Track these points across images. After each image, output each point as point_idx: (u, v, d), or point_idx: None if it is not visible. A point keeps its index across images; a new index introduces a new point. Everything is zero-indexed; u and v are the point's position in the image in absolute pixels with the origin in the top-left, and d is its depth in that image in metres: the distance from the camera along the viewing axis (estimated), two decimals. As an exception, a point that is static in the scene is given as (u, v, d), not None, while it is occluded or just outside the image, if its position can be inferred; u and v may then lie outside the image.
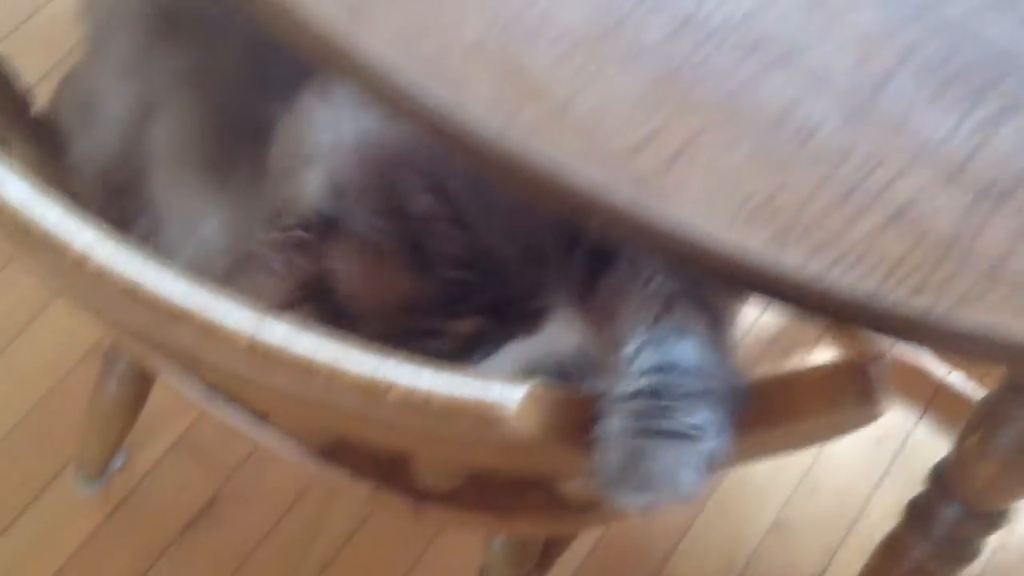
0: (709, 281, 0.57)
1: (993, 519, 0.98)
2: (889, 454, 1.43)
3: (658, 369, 0.52)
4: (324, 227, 0.60)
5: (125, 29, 0.70)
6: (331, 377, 0.47)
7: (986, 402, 0.92)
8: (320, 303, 0.60)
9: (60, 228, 0.47)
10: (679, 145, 0.52)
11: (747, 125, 0.53)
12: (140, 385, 1.13)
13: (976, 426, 0.92)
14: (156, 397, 1.19)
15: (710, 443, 0.50)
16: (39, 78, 0.89)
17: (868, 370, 0.51)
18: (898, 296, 0.51)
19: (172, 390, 0.88)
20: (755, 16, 0.56)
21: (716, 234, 0.51)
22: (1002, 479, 0.92)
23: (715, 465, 0.51)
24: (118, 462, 1.29)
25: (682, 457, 0.50)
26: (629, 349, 0.53)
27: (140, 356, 0.84)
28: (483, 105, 0.51)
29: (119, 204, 0.66)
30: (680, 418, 0.50)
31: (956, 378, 1.47)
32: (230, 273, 0.59)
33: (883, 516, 1.06)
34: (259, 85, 0.62)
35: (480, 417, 0.48)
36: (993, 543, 1.35)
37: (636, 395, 0.51)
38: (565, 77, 0.53)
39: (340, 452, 0.83)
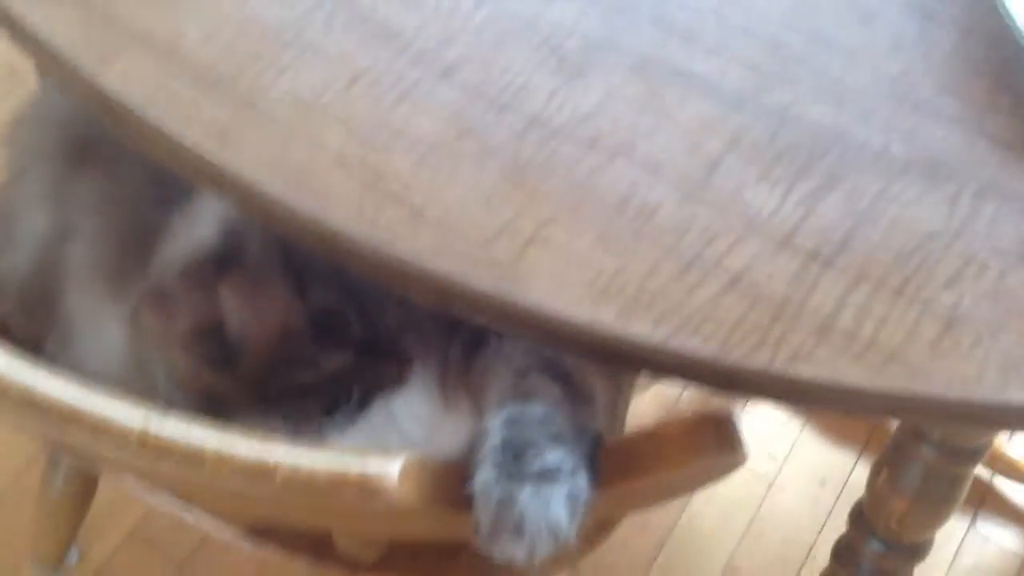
0: (567, 357, 0.62)
1: (913, 551, 1.02)
2: (832, 495, 1.48)
3: (512, 421, 0.57)
4: (218, 262, 0.64)
5: (43, 159, 0.75)
6: (219, 463, 0.51)
7: (891, 444, 0.97)
8: (211, 343, 0.64)
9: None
10: (530, 233, 0.58)
11: (592, 211, 0.59)
12: (86, 481, 1.16)
13: (884, 465, 0.97)
14: (106, 491, 1.23)
15: (569, 482, 0.55)
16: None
17: (726, 418, 0.56)
18: (738, 355, 0.56)
19: (120, 484, 0.91)
20: (594, 115, 0.61)
21: (568, 312, 0.56)
22: (914, 513, 0.96)
23: (582, 505, 0.56)
24: (74, 557, 1.32)
25: (544, 496, 0.55)
26: (488, 416, 0.58)
27: (65, 455, 0.88)
28: (347, 211, 0.57)
29: (34, 321, 0.71)
30: (533, 462, 0.55)
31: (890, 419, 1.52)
32: (134, 320, 0.64)
33: (828, 557, 1.10)
34: (158, 201, 0.67)
35: (363, 488, 0.52)
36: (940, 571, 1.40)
37: (495, 449, 0.56)
38: (423, 179, 0.58)
39: (269, 532, 0.86)
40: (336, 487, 0.52)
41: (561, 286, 0.57)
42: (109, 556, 1.34)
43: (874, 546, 1.02)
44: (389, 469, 0.53)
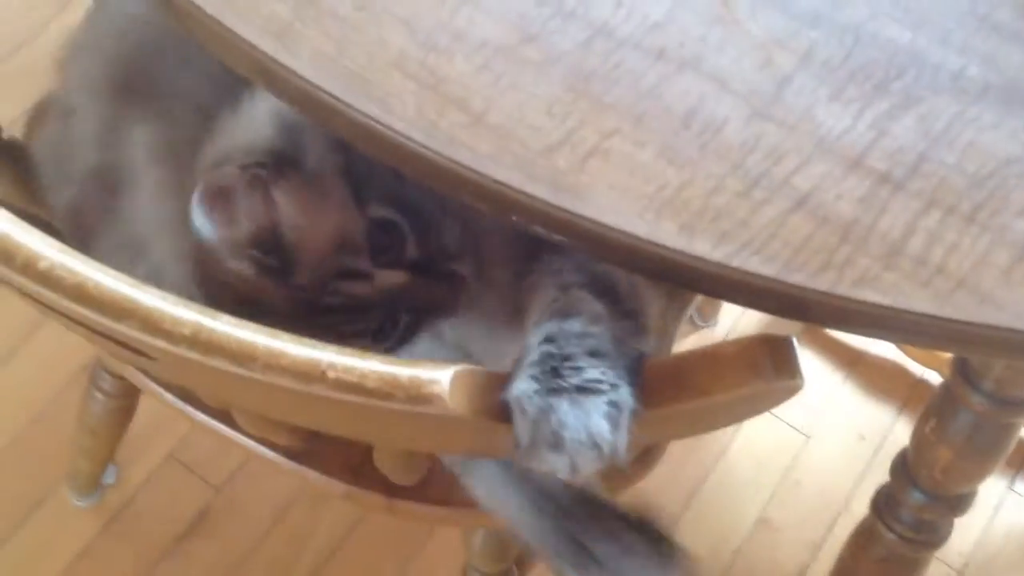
0: (617, 275, 0.60)
1: (955, 503, 1.01)
2: (870, 450, 1.46)
3: (550, 339, 0.56)
4: (277, 162, 0.63)
5: (94, 96, 0.74)
6: (270, 360, 0.50)
7: (939, 391, 0.95)
8: (266, 247, 0.62)
9: (12, 233, 0.51)
10: (593, 144, 0.56)
11: (657, 123, 0.57)
12: (126, 400, 1.17)
13: (931, 414, 0.95)
14: (146, 413, 1.23)
15: (610, 394, 0.54)
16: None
17: (784, 341, 0.54)
18: (802, 276, 0.54)
19: (161, 406, 0.92)
20: (662, 26, 0.59)
21: (628, 225, 0.55)
22: (958, 464, 0.95)
23: (626, 418, 0.54)
24: (110, 476, 1.33)
25: (583, 407, 0.53)
26: (528, 334, 0.57)
27: (114, 363, 0.88)
28: (406, 114, 0.55)
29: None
30: (571, 376, 0.54)
31: (932, 375, 1.50)
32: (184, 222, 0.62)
33: (864, 511, 1.09)
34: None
35: (415, 393, 0.51)
36: (976, 533, 1.39)
37: (533, 364, 0.55)
38: (483, 85, 0.57)
39: (308, 454, 0.86)
40: (387, 391, 0.51)
41: (622, 198, 0.55)
42: (146, 477, 1.35)
43: (915, 497, 1.01)
44: (441, 376, 0.52)
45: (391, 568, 1.32)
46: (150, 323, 0.51)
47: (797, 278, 0.54)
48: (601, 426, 0.53)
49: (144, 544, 1.31)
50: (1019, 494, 1.44)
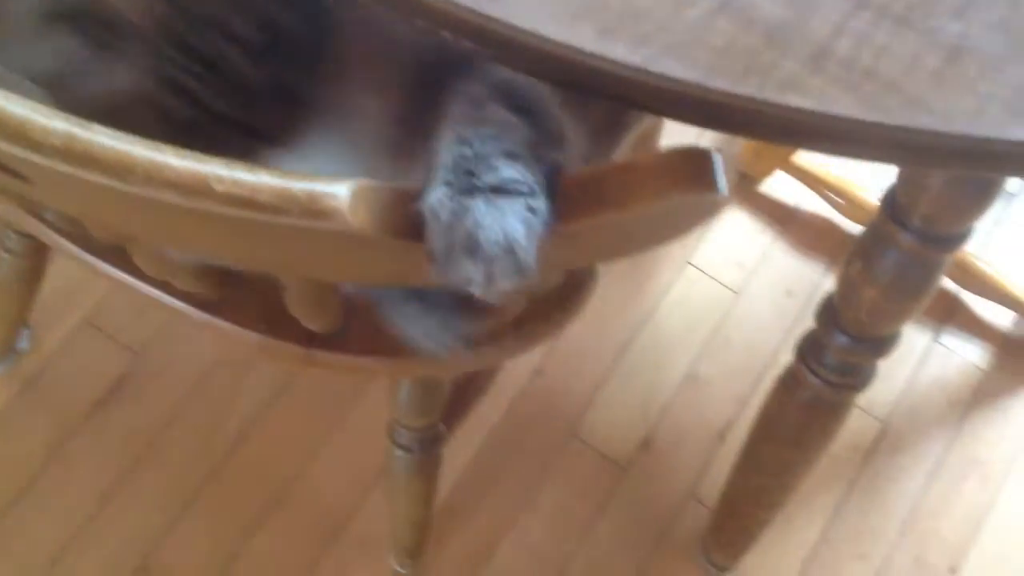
0: (536, 91, 0.57)
1: (879, 344, 1.00)
2: (799, 306, 1.47)
3: (464, 141, 0.53)
4: None
5: None
6: (150, 172, 0.47)
7: (866, 231, 0.94)
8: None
9: None
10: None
11: (572, -84, 0.53)
12: (33, 260, 1.12)
13: (856, 256, 0.94)
14: (58, 276, 1.19)
15: (526, 198, 0.51)
16: None
17: (704, 152, 0.51)
18: (726, 82, 0.51)
19: (74, 268, 0.87)
20: None
21: (542, 29, 0.51)
22: (884, 304, 0.94)
23: (540, 225, 0.51)
24: (23, 342, 1.29)
25: (499, 208, 0.50)
26: (443, 139, 0.53)
27: (18, 220, 0.83)
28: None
29: None
30: (485, 175, 0.51)
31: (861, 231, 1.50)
32: None
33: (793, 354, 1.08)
34: None
35: (311, 208, 0.48)
36: (901, 384, 1.41)
37: (446, 168, 0.52)
38: None
39: (222, 304, 0.83)
40: (280, 205, 0.48)
41: (539, 3, 0.51)
42: (62, 343, 1.31)
43: (840, 340, 1.00)
44: (339, 190, 0.49)
45: (316, 434, 1.31)
46: (18, 134, 0.47)
47: (720, 83, 0.51)
48: (517, 229, 0.50)
49: (60, 411, 1.28)
50: (944, 346, 1.46)
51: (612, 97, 0.52)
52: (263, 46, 0.60)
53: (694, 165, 0.51)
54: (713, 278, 1.47)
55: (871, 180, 1.50)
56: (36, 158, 0.47)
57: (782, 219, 1.52)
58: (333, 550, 1.25)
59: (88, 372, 1.30)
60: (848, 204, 1.46)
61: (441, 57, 0.62)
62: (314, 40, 0.61)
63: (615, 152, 0.98)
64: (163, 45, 0.59)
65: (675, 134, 1.49)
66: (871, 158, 0.51)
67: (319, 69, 0.63)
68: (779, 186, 1.53)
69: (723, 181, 0.52)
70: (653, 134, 1.31)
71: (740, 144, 1.52)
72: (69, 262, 0.86)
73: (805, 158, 1.46)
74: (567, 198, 0.52)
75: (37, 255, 1.12)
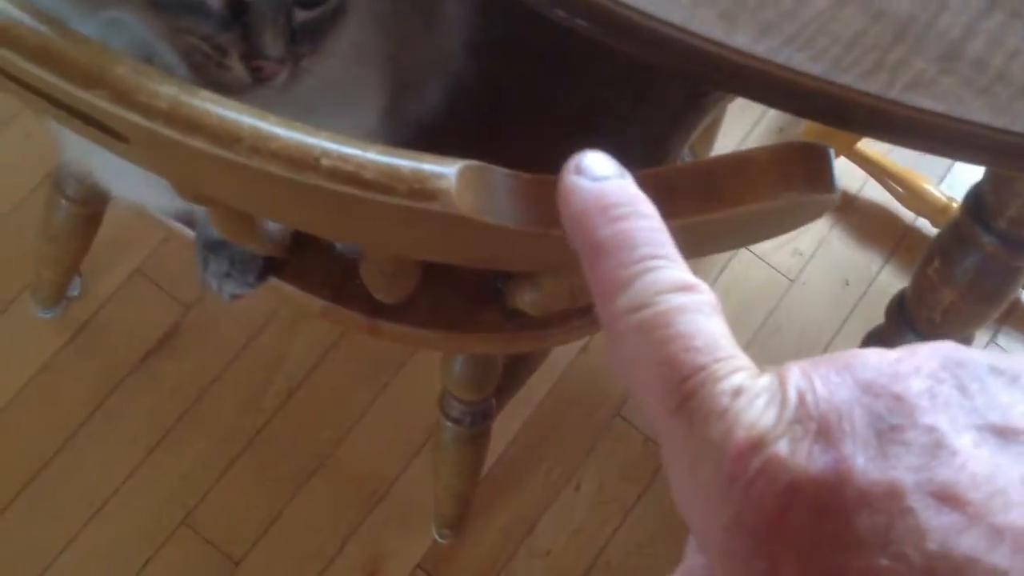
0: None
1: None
2: (855, 297, 1.44)
3: None
4: None
5: None
6: (256, 142, 0.45)
7: (948, 229, 0.92)
8: None
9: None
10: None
11: None
12: (91, 208, 1.11)
13: (935, 255, 0.92)
14: (114, 225, 1.18)
15: None
16: None
17: (821, 150, 0.50)
18: (851, 77, 0.49)
19: (130, 218, 0.86)
20: None
21: (662, 13, 0.49)
22: (961, 307, 0.92)
23: None
24: (75, 289, 1.28)
25: None
26: None
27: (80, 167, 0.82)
28: None
29: None
30: None
31: (923, 223, 1.47)
32: None
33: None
34: None
35: (418, 188, 0.46)
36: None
37: None
38: None
39: (287, 264, 0.82)
40: (386, 183, 0.46)
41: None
42: (113, 291, 1.31)
43: (909, 339, 0.98)
44: (447, 171, 0.47)
45: (362, 397, 1.30)
46: (123, 93, 0.46)
47: (845, 78, 0.49)
48: None
49: (109, 360, 1.27)
50: (1000, 347, 1.43)
51: (730, 88, 0.50)
52: None
53: (810, 163, 0.49)
54: (769, 264, 1.45)
55: (933, 171, 1.47)
56: (139, 119, 0.46)
57: (842, 207, 1.49)
58: (374, 515, 1.25)
59: (138, 322, 1.29)
60: (909, 194, 1.43)
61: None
62: None
63: (691, 136, 0.96)
64: None
65: (733, 119, 1.47)
66: (998, 166, 0.49)
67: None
68: (841, 173, 1.49)
69: (836, 181, 0.50)
70: (719, 119, 1.28)
71: (802, 127, 1.49)
72: (123, 211, 0.85)
73: (868, 145, 1.43)
74: (676, 189, 0.50)
75: (96, 204, 1.11)
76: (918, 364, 0.25)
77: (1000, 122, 0.49)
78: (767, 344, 1.40)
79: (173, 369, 1.28)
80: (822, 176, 0.50)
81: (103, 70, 0.46)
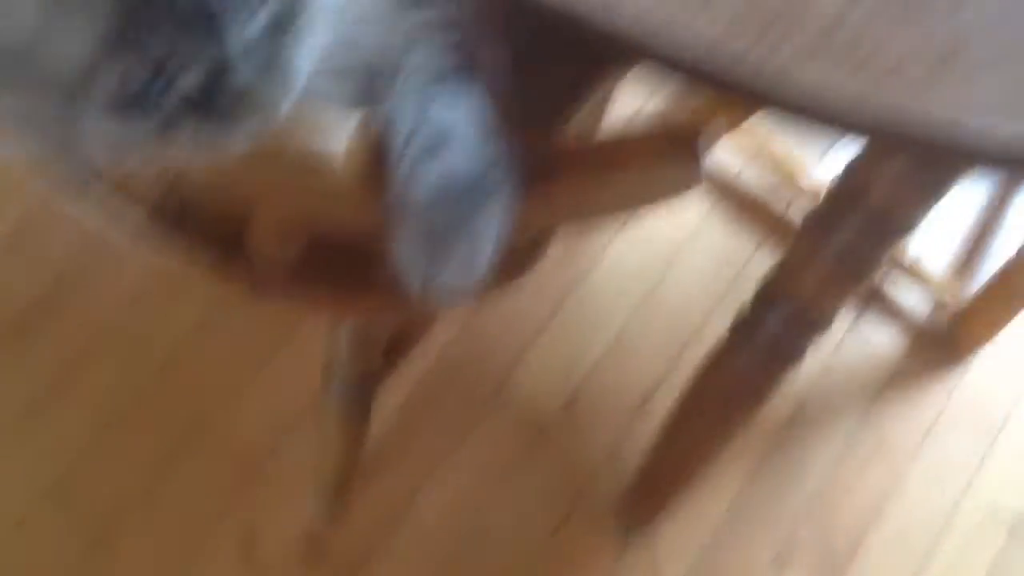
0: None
1: (817, 323, 1.03)
2: (727, 280, 1.49)
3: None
4: None
5: None
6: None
7: (819, 208, 0.96)
8: None
9: None
10: None
11: None
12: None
13: (805, 233, 0.96)
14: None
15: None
16: None
17: (691, 130, 0.53)
18: (735, 50, 0.52)
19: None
20: None
21: None
22: (828, 284, 0.97)
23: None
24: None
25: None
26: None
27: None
28: None
29: None
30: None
31: (795, 211, 1.53)
32: None
33: (717, 338, 1.10)
34: None
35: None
36: (817, 365, 1.45)
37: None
38: None
39: (180, 220, 0.81)
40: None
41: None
42: (-16, 255, 1.27)
43: (777, 315, 1.02)
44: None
45: (243, 369, 1.29)
46: None
47: (731, 51, 0.51)
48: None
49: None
50: (861, 332, 1.50)
51: (627, 62, 0.52)
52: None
53: (678, 140, 0.52)
54: (649, 242, 1.49)
55: (813, 158, 1.52)
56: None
57: (721, 188, 1.54)
58: (253, 488, 1.24)
59: (8, 292, 1.25)
60: (787, 180, 1.49)
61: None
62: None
63: (575, 113, 0.98)
64: None
65: (625, 98, 1.51)
66: (860, 135, 0.52)
67: None
68: (723, 154, 1.54)
69: (702, 163, 0.53)
70: (606, 99, 1.31)
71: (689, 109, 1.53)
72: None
73: (753, 128, 1.47)
74: (558, 159, 0.52)
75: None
76: None
77: (875, 95, 0.52)
78: (646, 322, 1.44)
79: (51, 335, 1.25)
80: (689, 152, 0.53)
81: None
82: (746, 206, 1.54)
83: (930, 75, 0.53)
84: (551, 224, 0.75)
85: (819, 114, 0.53)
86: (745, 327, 1.06)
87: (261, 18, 0.49)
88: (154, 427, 1.24)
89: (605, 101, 1.32)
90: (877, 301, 1.51)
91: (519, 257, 0.86)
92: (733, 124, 1.47)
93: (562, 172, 0.54)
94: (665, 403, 1.16)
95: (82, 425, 1.22)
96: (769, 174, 1.50)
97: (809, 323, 1.03)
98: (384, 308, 0.88)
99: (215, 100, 0.49)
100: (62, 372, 1.23)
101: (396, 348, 1.17)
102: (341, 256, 0.82)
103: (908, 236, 0.91)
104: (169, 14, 0.47)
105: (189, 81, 0.49)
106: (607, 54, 0.54)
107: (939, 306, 1.49)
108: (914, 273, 1.47)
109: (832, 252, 0.93)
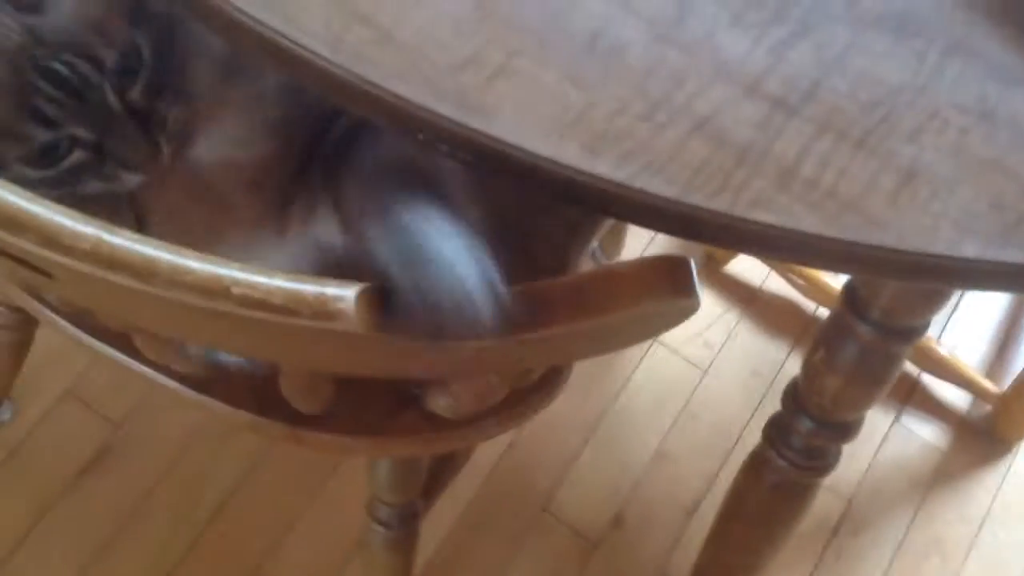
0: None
1: (843, 429, 1.04)
2: (764, 385, 1.51)
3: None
4: None
5: None
6: (173, 276, 0.50)
7: (828, 322, 0.99)
8: None
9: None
10: (499, 64, 0.57)
11: (562, 45, 0.58)
12: (22, 333, 1.14)
13: (820, 344, 0.99)
14: (42, 348, 1.21)
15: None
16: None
17: (681, 261, 0.56)
18: (700, 198, 0.56)
19: (58, 340, 0.90)
20: (567, -53, 0.60)
21: (532, 145, 0.55)
22: (846, 392, 0.99)
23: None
24: (6, 413, 1.30)
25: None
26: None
27: (10, 294, 0.86)
28: (313, 31, 0.55)
29: None
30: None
31: (824, 312, 1.55)
32: None
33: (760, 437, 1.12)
34: None
35: (320, 310, 0.52)
36: (864, 463, 1.45)
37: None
38: (392, 1, 0.57)
39: (213, 383, 0.86)
40: (292, 307, 0.52)
41: (526, 119, 0.56)
42: (43, 414, 1.33)
43: (805, 424, 1.04)
44: (346, 293, 0.53)
45: (292, 505, 1.33)
46: (48, 238, 0.51)
47: (695, 199, 0.56)
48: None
49: (42, 481, 1.29)
50: (905, 427, 1.50)
51: (598, 209, 0.57)
52: (126, 71, 0.64)
53: (671, 273, 0.56)
54: (681, 356, 1.52)
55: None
56: (64, 260, 0.51)
57: (747, 299, 1.57)
58: (308, 624, 1.27)
59: (69, 443, 1.31)
60: (809, 286, 1.52)
61: (307, 113, 0.68)
62: (178, 69, 0.66)
63: (591, 242, 1.03)
64: (23, 71, 0.63)
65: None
66: (833, 270, 0.56)
67: (187, 99, 0.67)
68: (743, 267, 1.58)
69: (697, 290, 0.57)
70: (624, 224, 1.36)
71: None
72: (51, 333, 0.89)
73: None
74: (552, 303, 0.56)
75: (25, 328, 1.15)
76: None
77: (832, 232, 0.56)
78: (685, 434, 1.46)
79: (105, 487, 1.30)
80: (682, 284, 0.56)
81: (30, 216, 0.51)
82: (773, 313, 1.56)
83: (891, 203, 0.56)
84: (559, 361, 0.80)
85: (785, 251, 0.57)
86: (779, 432, 1.08)
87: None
88: (213, 569, 1.27)
89: (623, 228, 1.37)
90: (917, 396, 1.52)
91: (540, 390, 0.90)
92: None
93: (552, 317, 0.57)
94: (712, 512, 1.17)
95: (145, 571, 1.26)
96: (792, 280, 1.53)
97: (836, 427, 1.05)
98: (415, 448, 0.92)
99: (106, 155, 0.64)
100: (122, 521, 1.28)
101: (438, 476, 1.20)
102: (371, 402, 0.86)
103: (920, 338, 0.94)
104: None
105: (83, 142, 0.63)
106: (582, 203, 0.58)
107: (979, 398, 1.49)
108: (950, 367, 1.48)
109: (848, 358, 0.96)
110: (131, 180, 0.66)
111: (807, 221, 0.56)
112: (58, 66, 0.62)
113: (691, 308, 0.58)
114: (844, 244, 0.55)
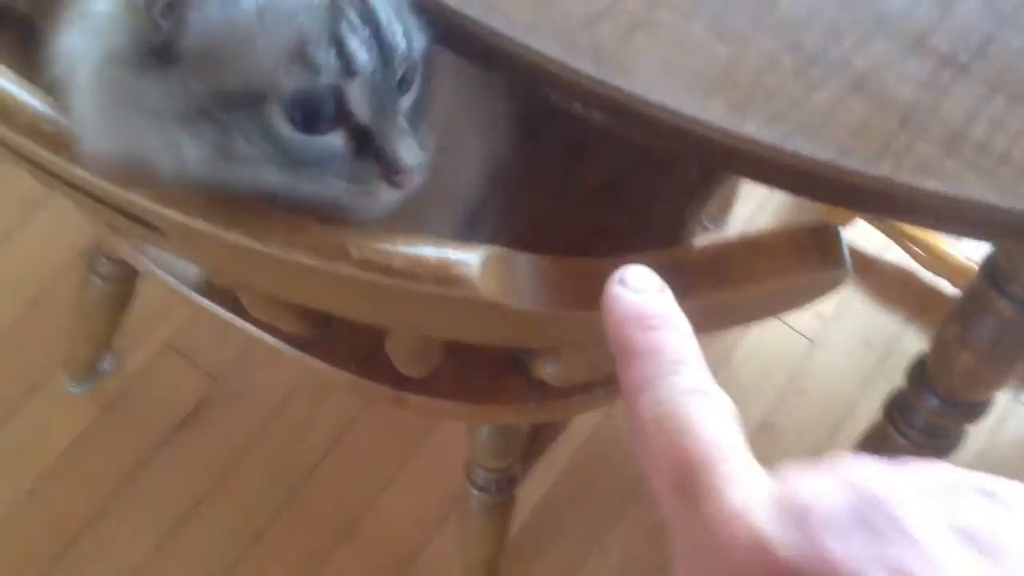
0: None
1: (970, 410, 0.99)
2: (876, 358, 1.45)
3: None
4: None
5: None
6: (291, 238, 0.47)
7: (965, 295, 0.93)
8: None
9: (15, 94, 0.47)
10: (639, 15, 0.52)
11: (708, -6, 0.53)
12: (124, 285, 1.14)
13: (953, 319, 0.93)
14: (144, 300, 1.21)
15: None
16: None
17: (831, 230, 0.51)
18: (859, 162, 0.51)
19: (159, 293, 0.88)
20: None
21: (675, 103, 0.51)
22: (979, 370, 0.93)
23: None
24: (107, 364, 1.31)
25: None
26: None
27: (113, 246, 0.85)
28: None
29: None
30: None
31: (943, 284, 1.48)
32: None
33: (868, 418, 1.07)
34: None
35: (443, 275, 0.48)
36: (981, 443, 1.38)
37: None
38: (523, -55, 0.53)
39: (315, 342, 0.84)
40: (414, 271, 0.48)
41: (669, 74, 0.51)
42: (144, 365, 1.33)
43: (931, 402, 0.99)
44: (470, 258, 0.49)
45: (391, 463, 1.31)
46: (165, 197, 0.48)
47: (854, 163, 0.51)
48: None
49: (140, 432, 1.29)
50: (1024, 405, 1.43)
51: (744, 173, 0.52)
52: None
53: (820, 243, 0.51)
54: (790, 326, 1.46)
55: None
56: (178, 217, 0.48)
57: (862, 268, 1.50)
58: (403, 582, 1.25)
59: (168, 395, 1.32)
60: (929, 256, 1.44)
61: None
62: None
63: (706, 206, 0.98)
64: None
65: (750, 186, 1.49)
66: (1006, 241, 0.51)
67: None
68: (860, 234, 1.51)
69: (847, 258, 0.52)
70: (735, 188, 1.30)
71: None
72: (152, 286, 0.87)
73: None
74: (691, 272, 0.52)
75: (127, 281, 1.14)
76: (909, 481, 0.27)
77: (1006, 202, 0.50)
78: (792, 406, 1.40)
79: (203, 441, 1.30)
80: (832, 254, 0.51)
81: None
82: (891, 283, 1.49)
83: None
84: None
85: (952, 222, 0.52)
86: (901, 411, 1.03)
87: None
88: (307, 528, 1.27)
89: (732, 193, 1.31)
90: (1038, 373, 1.44)
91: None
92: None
93: (694, 286, 0.53)
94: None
95: (237, 528, 1.25)
96: (912, 250, 1.46)
97: (963, 407, 0.99)
98: (518, 415, 0.89)
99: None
100: (217, 475, 1.28)
101: (537, 441, 1.17)
102: (476, 368, 0.83)
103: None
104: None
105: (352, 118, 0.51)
106: (727, 166, 0.53)
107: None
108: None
109: (984, 335, 0.90)
110: (389, 197, 0.52)
111: (978, 189, 0.50)
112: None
113: (840, 279, 0.53)
114: (1021, 215, 0.50)
